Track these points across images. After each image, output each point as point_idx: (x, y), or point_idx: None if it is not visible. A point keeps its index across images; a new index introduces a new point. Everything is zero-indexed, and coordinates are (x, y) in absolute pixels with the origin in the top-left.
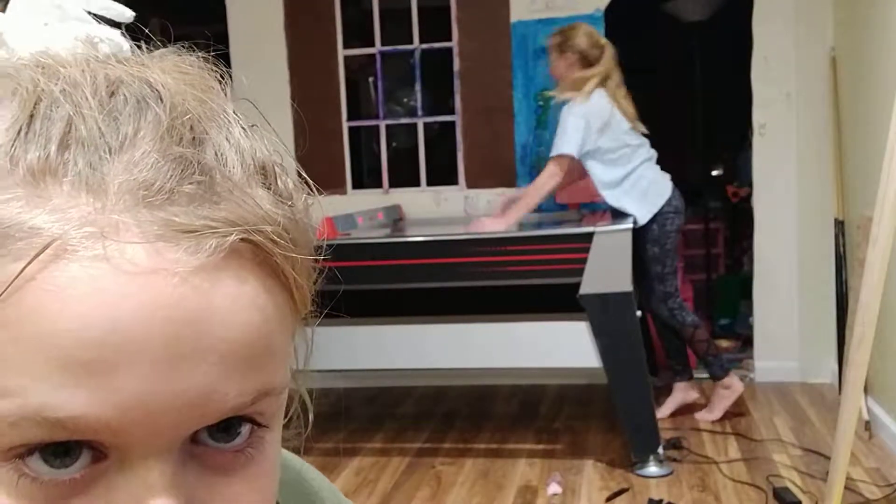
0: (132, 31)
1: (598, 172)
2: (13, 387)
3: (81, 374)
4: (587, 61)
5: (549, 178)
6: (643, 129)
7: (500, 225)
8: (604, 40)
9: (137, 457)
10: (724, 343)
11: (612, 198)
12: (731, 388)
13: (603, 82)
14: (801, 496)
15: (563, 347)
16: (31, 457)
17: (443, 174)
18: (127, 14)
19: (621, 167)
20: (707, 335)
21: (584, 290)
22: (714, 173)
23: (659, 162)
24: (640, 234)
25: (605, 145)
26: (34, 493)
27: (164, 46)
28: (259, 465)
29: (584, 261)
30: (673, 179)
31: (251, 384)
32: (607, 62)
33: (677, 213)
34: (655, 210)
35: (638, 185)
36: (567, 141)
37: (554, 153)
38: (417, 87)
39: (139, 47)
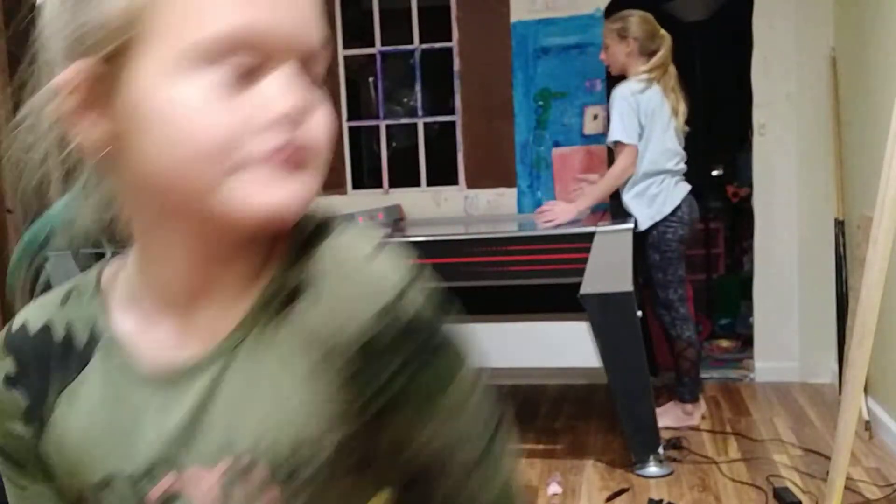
0: None
1: None
2: (211, 16)
3: (242, 6)
4: (645, 51)
5: (624, 170)
6: (686, 130)
7: (570, 212)
8: (662, 31)
9: (277, 63)
10: (724, 343)
11: (625, 194)
12: (690, 416)
13: (660, 77)
14: (801, 496)
15: (563, 347)
16: (221, 62)
17: (443, 174)
18: None
19: (644, 167)
20: (696, 357)
21: (584, 289)
22: (714, 173)
23: None
24: (643, 239)
25: (643, 140)
26: (220, 90)
27: None
28: (323, 106)
29: (584, 261)
30: None
31: (321, 31)
32: (665, 56)
33: (681, 223)
34: (659, 218)
35: (649, 190)
36: (625, 128)
37: (614, 139)
38: (417, 87)
39: None
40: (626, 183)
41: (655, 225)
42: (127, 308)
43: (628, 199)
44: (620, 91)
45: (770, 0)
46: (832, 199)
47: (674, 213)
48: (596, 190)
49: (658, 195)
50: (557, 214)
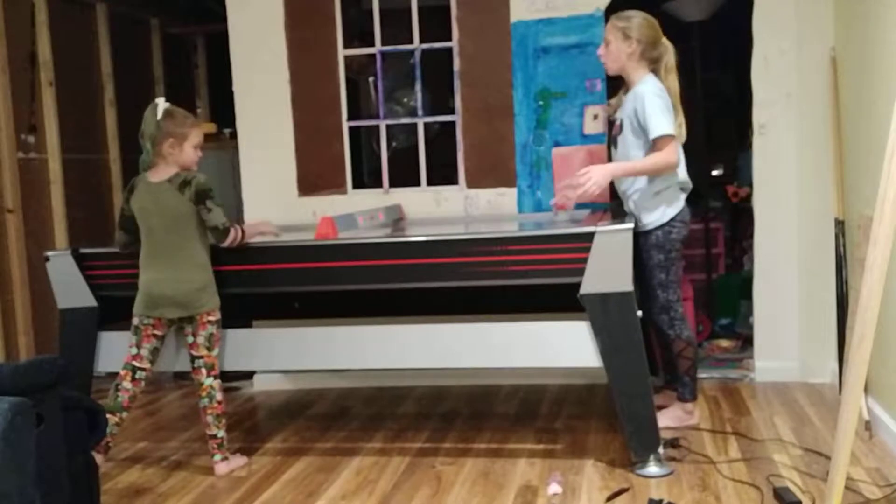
0: (135, 33)
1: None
2: None
3: None
4: (646, 56)
5: (668, 164)
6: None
7: (607, 175)
8: (664, 39)
9: None
10: (724, 343)
11: (634, 193)
12: (690, 415)
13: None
14: (801, 496)
15: (563, 347)
16: None
17: (443, 174)
18: None
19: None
20: (695, 356)
21: (584, 289)
22: (714, 173)
23: None
24: (643, 240)
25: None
26: None
27: (164, 46)
28: None
29: (584, 260)
30: None
31: None
32: (668, 64)
33: (684, 224)
34: (666, 219)
35: (666, 190)
36: (669, 122)
37: (658, 134)
38: (417, 87)
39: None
40: (632, 181)
41: (661, 225)
42: None
43: (640, 198)
44: (650, 88)
45: (770, 0)
46: (832, 199)
47: (680, 212)
48: (638, 165)
49: (669, 196)
50: (595, 175)
